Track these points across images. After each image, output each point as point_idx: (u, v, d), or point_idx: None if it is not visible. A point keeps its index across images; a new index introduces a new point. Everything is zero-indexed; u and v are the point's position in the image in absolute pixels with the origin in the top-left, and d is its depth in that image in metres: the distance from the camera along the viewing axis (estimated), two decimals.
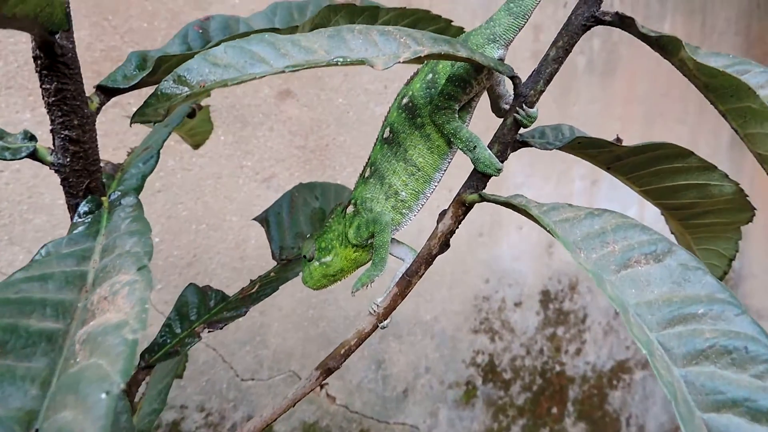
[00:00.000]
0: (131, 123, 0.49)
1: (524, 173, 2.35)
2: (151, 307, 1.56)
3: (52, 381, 0.33)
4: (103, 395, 0.30)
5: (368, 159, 0.79)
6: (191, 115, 0.99)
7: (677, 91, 3.07)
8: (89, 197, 0.53)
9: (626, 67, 2.71)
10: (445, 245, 0.65)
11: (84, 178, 0.54)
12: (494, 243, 2.27)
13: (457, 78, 0.65)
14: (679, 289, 0.40)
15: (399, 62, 0.44)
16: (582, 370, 2.74)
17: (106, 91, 0.56)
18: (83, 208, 0.52)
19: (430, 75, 0.71)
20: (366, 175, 0.78)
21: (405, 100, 0.74)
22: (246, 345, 1.74)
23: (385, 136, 0.76)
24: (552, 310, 2.54)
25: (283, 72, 0.41)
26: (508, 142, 0.61)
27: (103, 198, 0.55)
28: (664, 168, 0.62)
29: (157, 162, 0.69)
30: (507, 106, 0.69)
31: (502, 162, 0.63)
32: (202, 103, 1.14)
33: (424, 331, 2.10)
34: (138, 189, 0.65)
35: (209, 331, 0.71)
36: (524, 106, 0.59)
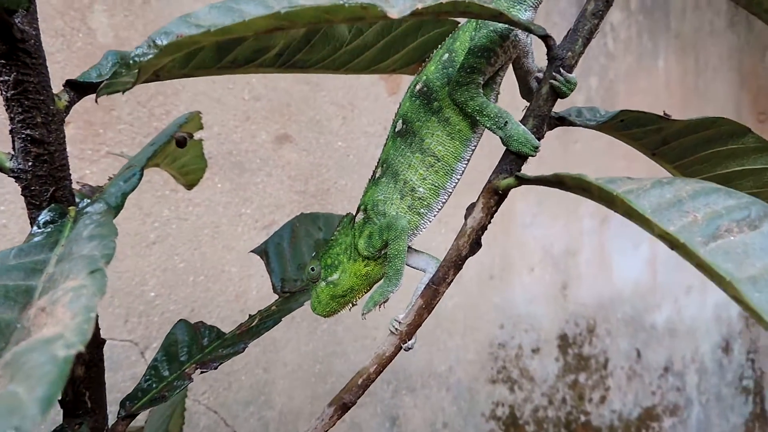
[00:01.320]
0: (97, 97, 0.42)
1: (531, 212, 2.27)
2: (141, 359, 1.45)
3: None
4: None
5: (379, 159, 0.71)
6: (182, 143, 0.91)
7: None
8: (52, 206, 0.45)
9: (624, 104, 2.68)
10: (476, 244, 0.55)
11: (49, 185, 0.46)
12: (506, 286, 2.17)
13: (479, 48, 0.58)
14: None
15: (418, 10, 0.36)
16: (608, 420, 2.57)
17: (77, 88, 0.49)
18: (44, 217, 0.44)
19: (447, 55, 0.64)
20: (377, 175, 0.70)
21: (419, 87, 0.67)
22: (249, 406, 1.62)
23: (397, 129, 0.69)
24: (571, 356, 2.41)
25: (279, 16, 0.34)
26: (544, 116, 0.53)
27: (71, 207, 0.46)
28: (716, 151, 0.54)
29: (139, 180, 0.61)
30: (539, 81, 0.61)
31: (539, 140, 0.55)
32: (195, 136, 1.07)
33: (439, 383, 1.97)
34: (117, 208, 0.56)
35: (202, 372, 0.61)
36: (561, 71, 0.52)
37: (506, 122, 0.58)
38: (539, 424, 2.28)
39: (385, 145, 0.70)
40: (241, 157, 1.60)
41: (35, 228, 0.44)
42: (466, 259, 0.56)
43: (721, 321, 3.22)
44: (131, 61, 0.35)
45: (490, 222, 0.55)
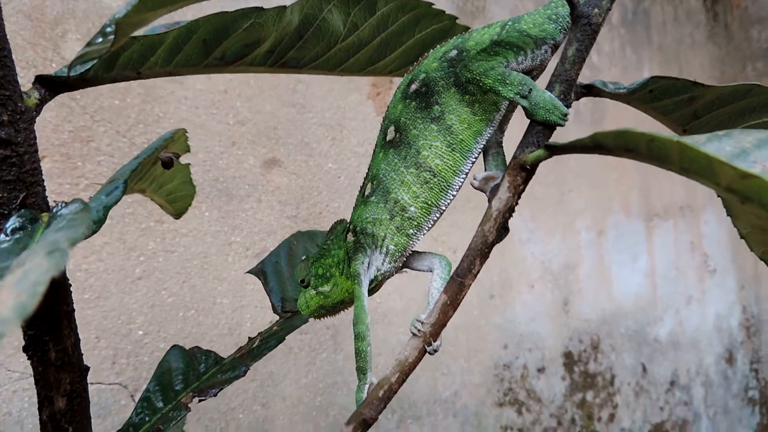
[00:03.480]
0: (70, 67, 0.37)
1: (528, 228, 2.23)
2: (131, 402, 1.37)
3: None
4: None
5: (368, 173, 0.66)
6: (168, 165, 0.86)
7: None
8: (22, 211, 0.40)
9: (613, 116, 2.68)
10: (503, 229, 0.50)
11: (18, 191, 0.41)
12: (507, 304, 2.12)
13: (508, 43, 0.54)
14: None
15: None
16: None
17: (48, 85, 0.44)
18: (12, 224, 0.38)
19: (455, 52, 0.59)
20: (366, 192, 0.65)
21: (414, 86, 0.61)
22: None
23: (388, 138, 0.62)
24: (578, 374, 2.34)
25: None
26: (571, 81, 0.49)
27: (44, 214, 0.41)
28: (751, 125, 0.49)
29: (122, 193, 0.56)
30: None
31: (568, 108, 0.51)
32: (182, 161, 1.02)
33: (444, 409, 1.89)
34: (99, 222, 0.51)
35: (200, 400, 0.55)
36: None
37: (531, 89, 0.53)
38: None
39: (374, 156, 0.65)
40: (229, 183, 1.55)
41: (2, 236, 0.38)
42: (493, 246, 0.51)
43: (723, 331, 3.18)
44: (108, 29, 0.30)
45: (517, 203, 0.50)
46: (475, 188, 0.57)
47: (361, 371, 0.62)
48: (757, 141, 0.32)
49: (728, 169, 0.29)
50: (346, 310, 0.69)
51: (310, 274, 0.66)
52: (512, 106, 0.60)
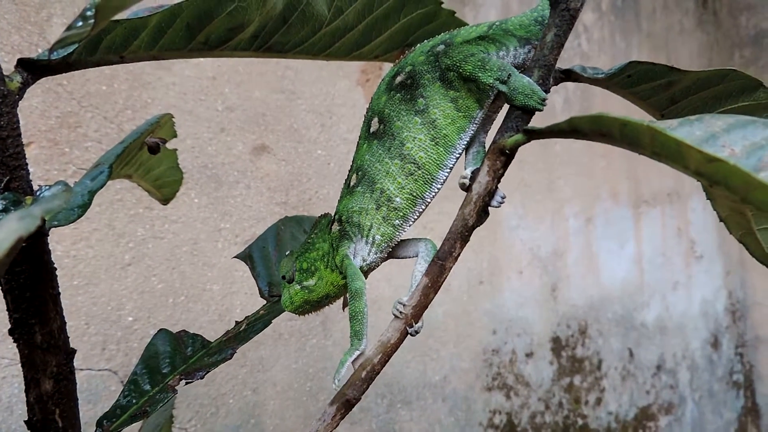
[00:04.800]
0: (51, 51, 0.37)
1: (517, 215, 2.24)
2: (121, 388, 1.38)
3: None
4: None
5: (352, 164, 0.66)
6: (154, 150, 0.86)
7: None
8: (5, 194, 0.40)
9: (601, 103, 2.69)
10: (483, 212, 0.51)
11: (2, 175, 0.41)
12: (496, 290, 2.13)
13: (492, 39, 0.56)
14: None
15: None
16: (605, 422, 2.54)
17: (31, 68, 0.44)
18: None
19: (442, 47, 0.60)
20: (351, 183, 0.65)
21: (400, 78, 0.61)
22: (239, 430, 1.54)
23: (372, 129, 0.63)
24: (565, 358, 2.37)
25: None
26: (550, 66, 0.50)
27: (27, 197, 0.41)
28: (727, 110, 0.50)
29: (108, 177, 0.56)
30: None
31: (546, 93, 0.51)
32: (169, 146, 1.02)
33: (434, 393, 1.91)
34: (83, 206, 0.51)
35: (187, 383, 0.56)
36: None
37: (510, 75, 0.54)
38: (537, 430, 2.23)
39: (358, 148, 0.65)
40: (218, 170, 1.55)
41: None
42: (474, 229, 0.51)
43: (709, 317, 3.22)
44: (88, 12, 0.30)
45: (497, 187, 0.51)
46: (465, 190, 0.58)
47: (357, 335, 0.61)
48: (726, 125, 0.32)
49: (695, 153, 0.29)
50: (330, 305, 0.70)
51: (294, 269, 0.66)
52: (496, 106, 0.61)
